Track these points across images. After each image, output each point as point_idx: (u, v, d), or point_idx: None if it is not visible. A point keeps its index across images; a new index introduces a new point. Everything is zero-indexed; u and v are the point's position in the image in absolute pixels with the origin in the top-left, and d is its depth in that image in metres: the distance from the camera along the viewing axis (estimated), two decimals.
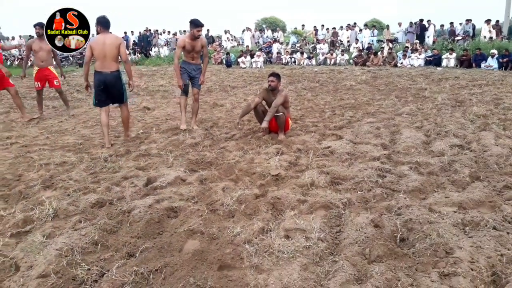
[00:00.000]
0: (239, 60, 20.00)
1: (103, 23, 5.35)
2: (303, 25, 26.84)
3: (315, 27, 24.63)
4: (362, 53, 18.90)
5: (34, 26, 7.31)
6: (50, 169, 4.62)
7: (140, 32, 26.60)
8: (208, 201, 3.58)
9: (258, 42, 24.75)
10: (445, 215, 3.11)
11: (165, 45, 25.37)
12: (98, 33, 5.48)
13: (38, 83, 7.84)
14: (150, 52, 24.59)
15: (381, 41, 21.57)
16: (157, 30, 26.72)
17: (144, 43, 25.39)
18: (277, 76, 5.72)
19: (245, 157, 4.84)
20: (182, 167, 4.47)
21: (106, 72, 5.26)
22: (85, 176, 4.33)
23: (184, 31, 26.80)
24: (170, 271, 2.49)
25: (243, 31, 25.81)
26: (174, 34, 26.28)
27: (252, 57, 19.99)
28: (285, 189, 3.78)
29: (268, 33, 26.62)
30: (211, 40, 26.00)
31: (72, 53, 23.02)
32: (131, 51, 23.87)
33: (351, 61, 19.06)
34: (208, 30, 26.37)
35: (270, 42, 23.58)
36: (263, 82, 12.60)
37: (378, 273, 2.40)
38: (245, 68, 19.03)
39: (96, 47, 5.22)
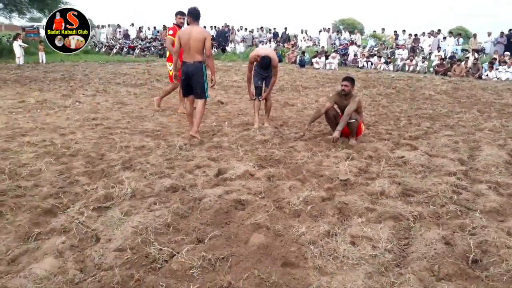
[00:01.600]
0: (313, 60, 19.88)
1: (193, 15, 5.51)
2: (383, 29, 26.10)
3: (395, 31, 23.81)
4: (444, 62, 17.96)
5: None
6: (130, 152, 4.93)
7: (218, 27, 27.40)
8: (274, 197, 3.64)
9: (334, 44, 24.43)
10: None
11: (241, 42, 25.87)
12: (188, 24, 5.73)
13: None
14: (226, 47, 25.21)
15: (466, 50, 20.34)
16: (233, 27, 27.36)
17: (222, 38, 26.11)
18: (351, 80, 5.57)
19: (313, 158, 4.84)
20: (251, 162, 4.57)
21: (189, 62, 5.47)
22: (161, 161, 4.58)
23: (261, 27, 27.19)
24: (236, 261, 2.57)
25: (320, 31, 25.60)
26: (251, 31, 26.73)
27: (327, 58, 19.78)
28: (353, 195, 3.73)
29: (346, 35, 26.16)
30: (287, 38, 26.14)
31: (154, 44, 24.31)
32: None
33: (431, 69, 18.21)
34: (285, 28, 26.58)
35: (346, 44, 23.17)
36: (336, 84, 12.44)
37: None
38: (318, 69, 18.89)
39: (183, 38, 5.44)
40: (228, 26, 27.22)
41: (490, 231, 3.04)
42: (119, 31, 28.49)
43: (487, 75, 16.37)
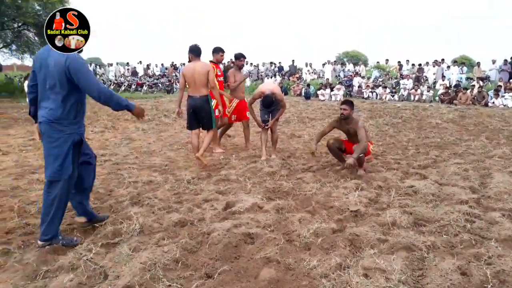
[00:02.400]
0: (319, 92, 20.09)
1: (195, 51, 5.81)
2: (386, 60, 26.40)
3: (399, 62, 24.12)
4: (449, 91, 18.04)
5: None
6: (138, 187, 4.94)
7: (224, 63, 27.91)
8: (284, 230, 3.59)
9: (339, 76, 24.72)
10: None
11: (248, 77, 26.29)
12: (189, 60, 5.91)
13: (235, 116, 7.26)
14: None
15: (471, 78, 20.46)
16: None
17: (225, 73, 26.54)
18: (349, 103, 5.52)
19: (322, 189, 4.80)
20: (259, 195, 4.54)
21: (195, 96, 5.66)
22: (169, 196, 4.57)
23: (270, 62, 27.66)
24: None
25: (324, 64, 25.99)
26: (256, 66, 27.20)
27: (332, 90, 19.98)
28: (364, 226, 3.67)
29: (350, 66, 26.52)
30: (294, 70, 26.56)
31: (161, 80, 24.76)
32: None
33: (436, 98, 18.27)
34: (293, 60, 27.09)
35: (351, 75, 23.44)
36: None
37: None
38: (324, 100, 19.05)
39: (187, 74, 5.70)
40: (234, 61, 27.70)
41: (507, 260, 2.95)
42: (127, 69, 29.16)
43: (493, 102, 16.38)
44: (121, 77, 27.53)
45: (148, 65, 29.18)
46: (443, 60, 22.27)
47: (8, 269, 2.90)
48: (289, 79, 24.95)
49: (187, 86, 5.88)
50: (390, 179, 5.22)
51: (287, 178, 5.31)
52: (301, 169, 5.82)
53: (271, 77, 24.74)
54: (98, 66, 31.23)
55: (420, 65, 22.60)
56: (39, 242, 3.26)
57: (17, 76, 25.74)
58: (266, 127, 6.42)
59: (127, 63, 30.26)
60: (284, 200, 4.37)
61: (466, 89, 17.63)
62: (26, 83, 17.41)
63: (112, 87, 25.34)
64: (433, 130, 9.84)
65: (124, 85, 24.73)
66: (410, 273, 2.85)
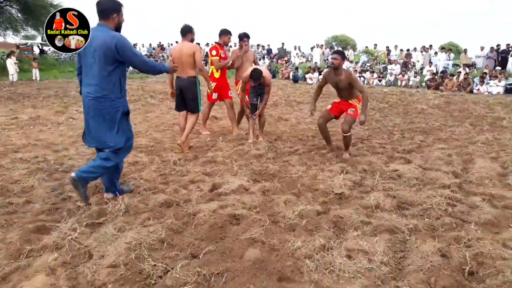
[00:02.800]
0: (307, 76, 20.06)
1: (181, 31, 5.71)
2: (375, 45, 26.38)
3: (387, 47, 24.14)
4: (436, 77, 18.17)
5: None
6: (123, 167, 4.90)
7: (212, 44, 27.62)
8: (269, 212, 3.62)
9: (327, 60, 24.66)
10: None
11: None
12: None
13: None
14: None
15: (457, 65, 20.62)
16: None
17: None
18: (341, 53, 5.44)
19: (308, 172, 4.83)
20: (245, 177, 4.56)
21: (183, 77, 5.60)
22: (155, 177, 4.56)
23: (258, 44, 27.43)
24: (231, 276, 2.54)
25: (313, 48, 25.88)
26: None
27: (320, 73, 19.95)
28: (348, 209, 3.72)
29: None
30: (284, 53, 26.41)
31: None
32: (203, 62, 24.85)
33: (423, 84, 18.40)
34: (282, 43, 26.95)
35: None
36: (329, 98, 12.49)
37: None
38: (312, 84, 19.03)
39: (174, 55, 5.62)
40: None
41: (485, 243, 3.03)
42: None
43: (478, 89, 16.55)
44: None
45: (134, 45, 28.70)
46: (430, 46, 22.35)
47: None
48: (277, 62, 24.82)
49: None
50: (375, 163, 5.28)
51: (273, 161, 5.33)
52: (287, 152, 5.84)
53: (260, 60, 24.57)
54: None
55: (408, 50, 22.66)
56: (108, 195, 3.88)
57: None
58: (254, 117, 6.41)
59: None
60: (270, 182, 4.40)
61: (453, 75, 17.77)
62: (9, 61, 17.00)
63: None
64: (418, 115, 9.93)
65: None
66: (392, 255, 2.91)
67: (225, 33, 6.80)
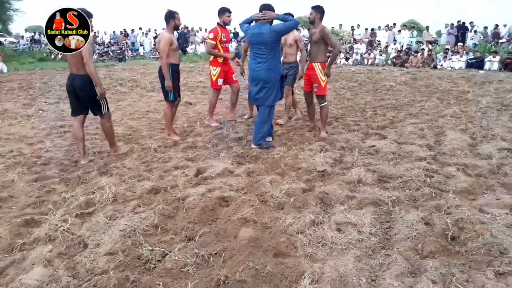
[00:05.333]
0: None
1: (164, 18, 5.35)
2: (340, 25, 26.62)
3: (352, 27, 24.40)
4: (401, 54, 18.60)
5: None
6: (104, 157, 4.85)
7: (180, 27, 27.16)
8: (257, 192, 3.69)
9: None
10: (497, 216, 3.10)
11: (201, 43, 25.74)
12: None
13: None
14: (187, 49, 25.02)
15: (420, 42, 21.14)
16: (193, 28, 27.23)
17: (182, 40, 25.88)
18: (316, 8, 5.40)
19: (289, 152, 4.93)
20: (229, 160, 4.60)
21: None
22: (138, 165, 4.54)
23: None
24: (229, 255, 2.61)
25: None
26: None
27: None
28: (332, 185, 3.84)
29: (304, 32, 26.54)
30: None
31: (112, 48, 23.81)
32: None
33: (389, 61, 18.80)
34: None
35: (305, 41, 23.51)
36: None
37: (432, 267, 2.45)
38: None
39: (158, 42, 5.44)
40: (187, 27, 27.00)
41: (464, 209, 3.21)
42: None
43: (441, 65, 17.09)
44: None
45: (95, 33, 27.80)
46: (394, 24, 22.77)
47: None
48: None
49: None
50: (352, 140, 5.43)
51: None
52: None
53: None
54: (42, 35, 29.37)
55: (372, 29, 23.01)
56: (253, 146, 5.11)
57: None
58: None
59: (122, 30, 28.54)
60: (254, 164, 4.46)
61: (417, 52, 18.24)
62: None
63: (60, 56, 24.07)
64: (388, 92, 10.19)
65: None
66: (379, 226, 3.06)
67: (223, 11, 6.19)
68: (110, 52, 23.71)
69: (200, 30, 27.28)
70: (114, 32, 28.37)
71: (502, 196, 3.55)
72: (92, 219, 3.15)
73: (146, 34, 27.05)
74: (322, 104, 5.61)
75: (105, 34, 28.21)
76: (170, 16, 5.27)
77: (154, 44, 24.29)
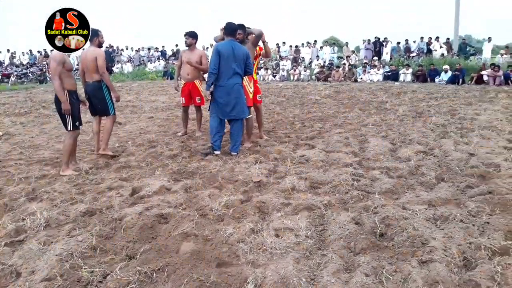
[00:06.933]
0: (205, 76, 20.17)
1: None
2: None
3: (277, 44, 25.26)
4: (324, 69, 19.60)
5: (185, 35, 6.64)
6: (31, 182, 4.61)
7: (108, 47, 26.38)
8: (196, 207, 3.73)
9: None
10: (418, 211, 3.42)
11: (128, 62, 25.22)
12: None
13: (183, 98, 7.05)
14: (113, 68, 24.36)
15: (341, 57, 22.44)
16: (118, 47, 26.62)
17: (107, 59, 25.16)
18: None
19: (225, 166, 5.02)
20: (165, 177, 4.59)
21: (88, 82, 5.31)
22: (69, 188, 4.37)
23: (148, 48, 26.78)
24: (172, 270, 2.63)
25: (207, 47, 26.07)
26: (137, 51, 26.24)
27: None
28: (268, 194, 3.99)
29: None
30: (178, 53, 26.13)
31: (31, 70, 22.53)
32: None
33: (313, 77, 19.70)
34: (176, 45, 26.52)
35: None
36: None
37: (364, 262, 2.65)
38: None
39: (81, 59, 5.31)
40: (113, 46, 26.34)
41: (389, 208, 3.51)
42: None
43: (361, 78, 18.27)
44: None
45: (12, 54, 26.18)
46: (315, 41, 23.98)
47: None
48: (173, 64, 24.55)
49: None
50: (284, 151, 5.67)
51: (190, 159, 5.41)
52: (201, 150, 5.94)
53: (154, 62, 24.15)
54: None
55: (296, 46, 24.03)
56: (234, 153, 5.56)
57: None
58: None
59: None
60: (191, 180, 4.50)
61: (338, 67, 19.34)
62: None
63: None
64: (314, 105, 10.71)
65: None
66: (314, 229, 3.24)
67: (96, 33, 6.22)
68: (30, 74, 22.41)
69: (127, 48, 26.73)
70: (30, 51, 26.85)
71: (421, 193, 3.91)
72: (24, 247, 2.99)
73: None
74: (249, 116, 5.92)
75: (23, 54, 26.62)
76: (94, 34, 5.20)
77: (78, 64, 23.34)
